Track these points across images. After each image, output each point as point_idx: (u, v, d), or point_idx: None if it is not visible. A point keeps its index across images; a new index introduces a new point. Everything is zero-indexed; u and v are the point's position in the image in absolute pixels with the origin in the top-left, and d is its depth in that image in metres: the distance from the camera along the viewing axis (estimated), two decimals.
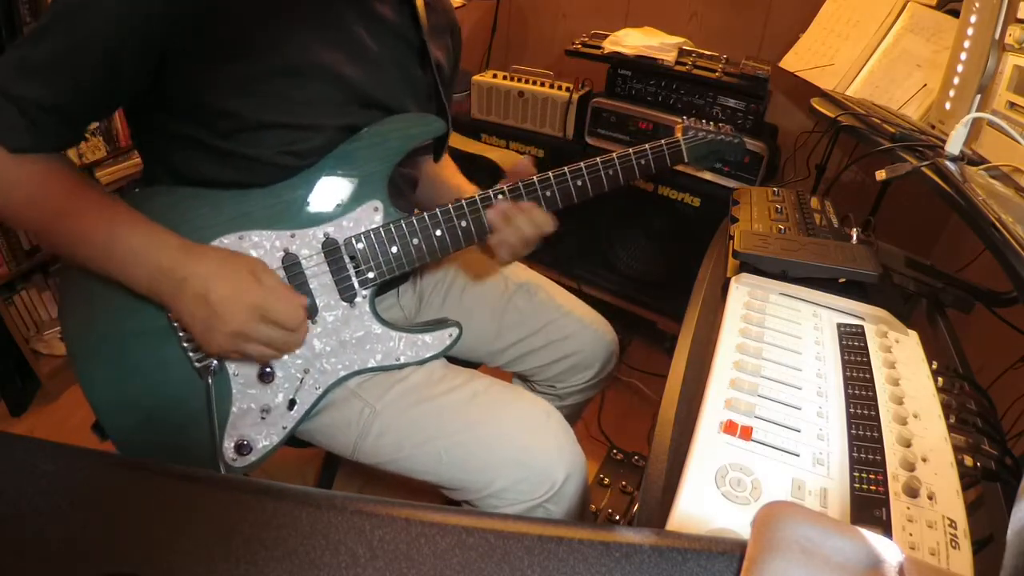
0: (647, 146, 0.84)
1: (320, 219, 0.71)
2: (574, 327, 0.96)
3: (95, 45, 0.58)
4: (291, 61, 0.65)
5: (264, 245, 0.69)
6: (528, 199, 0.78)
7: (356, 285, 0.73)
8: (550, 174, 0.78)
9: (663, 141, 0.86)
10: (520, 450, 0.73)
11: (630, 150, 0.83)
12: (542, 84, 1.62)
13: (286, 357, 0.71)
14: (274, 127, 0.66)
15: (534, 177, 0.78)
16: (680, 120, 0.91)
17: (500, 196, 0.77)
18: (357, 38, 0.71)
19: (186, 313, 0.63)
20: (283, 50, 0.65)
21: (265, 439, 0.72)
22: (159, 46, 0.60)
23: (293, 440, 0.80)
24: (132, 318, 0.67)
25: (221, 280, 0.62)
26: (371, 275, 0.74)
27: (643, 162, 0.83)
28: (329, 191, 0.71)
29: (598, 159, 0.80)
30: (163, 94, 0.64)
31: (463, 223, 0.76)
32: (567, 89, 1.60)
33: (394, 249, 0.74)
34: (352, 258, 0.73)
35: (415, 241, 0.74)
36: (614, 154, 0.81)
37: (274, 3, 0.64)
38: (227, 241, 0.68)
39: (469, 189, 0.93)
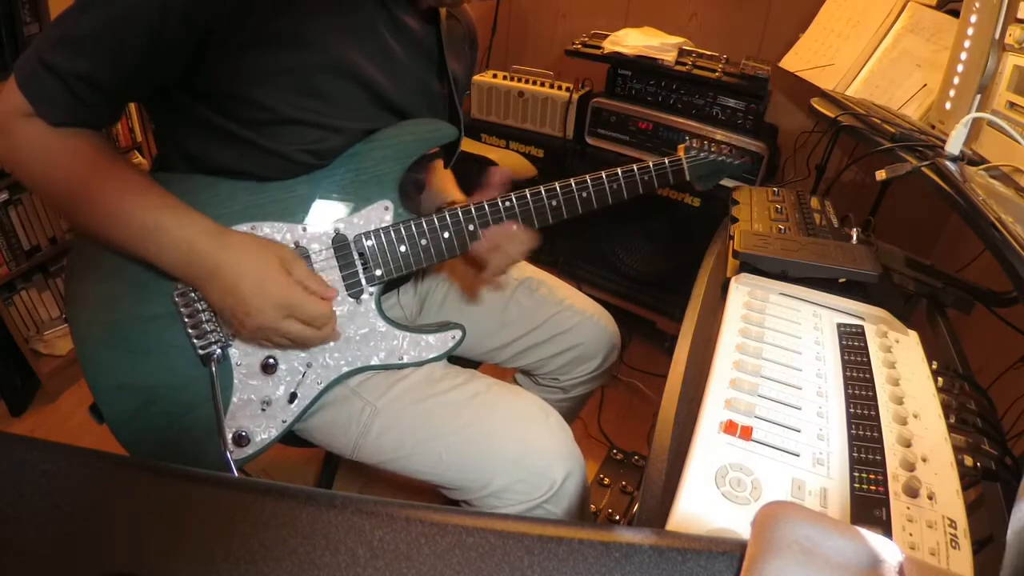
0: (651, 162, 0.87)
1: (331, 215, 0.72)
2: (576, 319, 0.96)
3: (139, 22, 0.58)
4: (323, 59, 0.66)
5: (275, 237, 0.70)
6: (535, 208, 0.79)
7: (363, 282, 0.74)
8: (556, 184, 0.80)
9: (666, 159, 0.89)
10: (519, 450, 0.73)
11: (634, 166, 0.85)
12: (542, 84, 1.62)
13: (290, 349, 0.72)
14: (298, 123, 0.67)
15: (541, 188, 0.80)
16: (691, 135, 0.94)
17: (508, 203, 0.78)
18: (385, 44, 0.72)
19: (216, 300, 0.65)
20: (316, 47, 0.65)
21: (264, 432, 0.73)
22: (200, 29, 0.60)
23: (293, 439, 0.80)
24: (138, 303, 0.68)
25: (250, 272, 0.64)
26: (378, 273, 0.74)
27: (646, 178, 0.86)
28: (342, 188, 0.72)
29: (603, 173, 0.83)
30: (194, 78, 0.64)
31: (470, 227, 0.77)
32: (567, 89, 1.60)
33: (402, 248, 0.74)
34: (361, 255, 0.73)
35: (423, 242, 0.75)
36: (618, 169, 0.83)
37: (313, 1, 0.65)
38: (239, 230, 0.68)
39: (455, 194, 0.94)
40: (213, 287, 0.64)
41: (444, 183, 0.97)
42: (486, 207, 0.77)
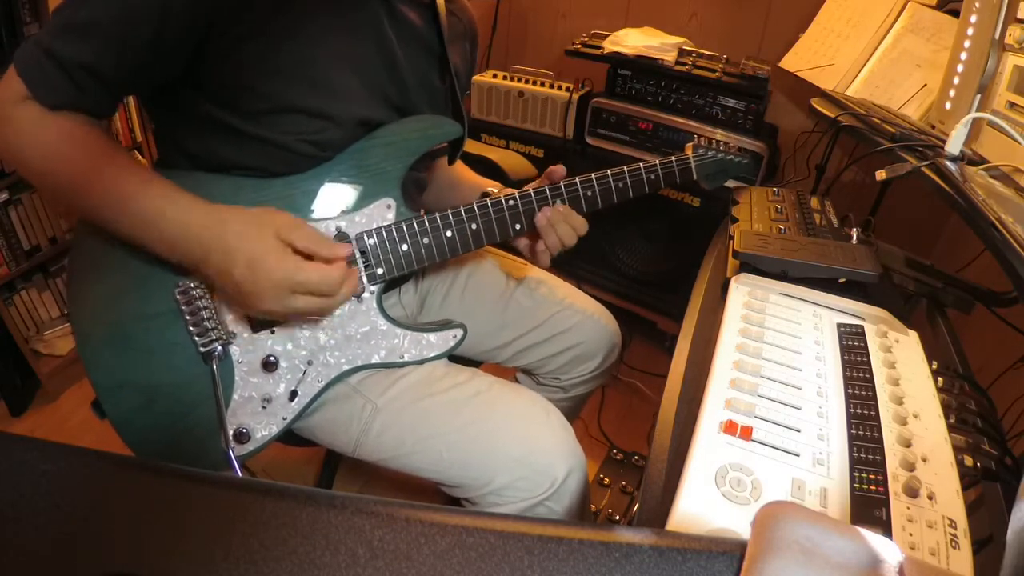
0: (657, 161, 0.86)
1: (333, 213, 0.72)
2: (577, 318, 0.96)
3: (139, 20, 0.58)
4: (323, 54, 0.66)
5: None
6: (539, 207, 0.79)
7: (365, 280, 0.74)
8: (561, 184, 0.80)
9: (673, 158, 0.88)
10: (521, 448, 0.73)
11: (640, 165, 0.84)
12: (542, 84, 1.62)
13: (291, 347, 0.72)
14: (298, 112, 0.67)
15: (546, 188, 0.80)
16: (691, 134, 0.93)
17: (511, 202, 0.78)
18: (386, 40, 0.72)
19: (217, 285, 0.65)
20: (317, 44, 0.66)
21: (264, 429, 0.73)
22: (200, 26, 0.60)
23: (294, 438, 0.80)
24: (139, 301, 0.68)
25: (241, 255, 0.61)
26: (380, 271, 0.74)
27: (652, 177, 0.85)
28: (344, 186, 0.72)
29: (608, 172, 0.82)
30: (194, 73, 0.64)
31: (473, 226, 0.77)
32: (567, 89, 1.59)
33: (404, 247, 0.74)
34: (362, 253, 0.73)
35: (425, 241, 0.75)
36: (624, 168, 0.83)
37: (313, 1, 0.65)
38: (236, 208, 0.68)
39: (490, 185, 0.95)
40: (211, 272, 0.63)
41: (473, 176, 0.98)
42: (489, 206, 0.77)
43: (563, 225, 0.79)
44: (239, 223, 0.62)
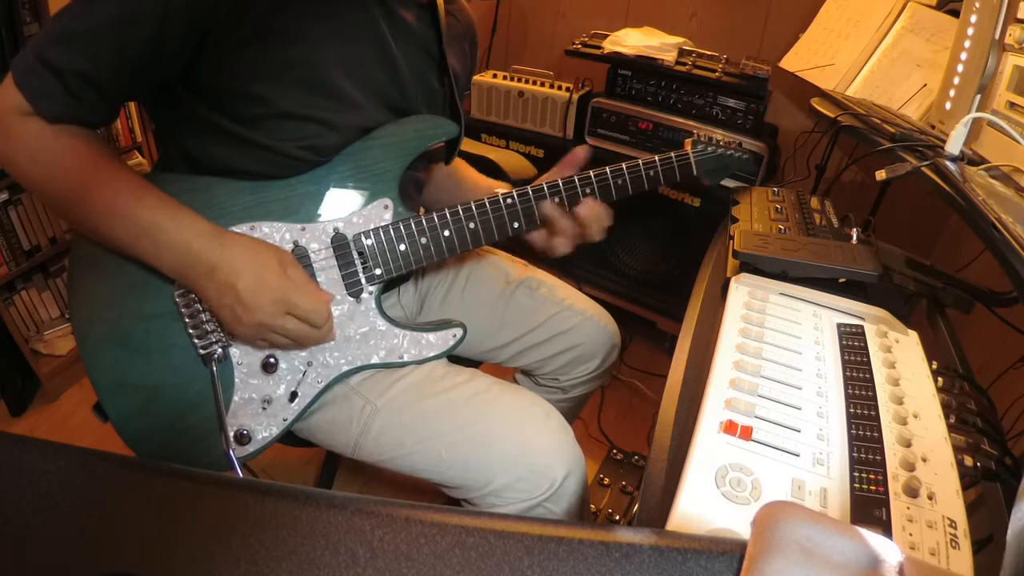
0: (657, 158, 0.85)
1: (331, 214, 0.72)
2: (576, 319, 0.96)
3: (139, 22, 0.58)
4: (321, 57, 0.66)
5: (274, 237, 0.70)
6: (537, 204, 0.79)
7: (363, 281, 0.74)
8: (559, 181, 0.80)
9: (673, 154, 0.87)
10: (520, 448, 0.73)
11: (639, 160, 0.83)
12: (542, 84, 1.62)
13: (289, 350, 0.72)
14: (296, 118, 0.67)
15: (543, 184, 0.79)
16: (691, 134, 0.93)
17: (509, 200, 0.78)
18: (384, 42, 0.72)
19: (214, 299, 0.65)
20: (314, 45, 0.66)
21: (265, 430, 0.73)
22: (201, 28, 0.60)
23: (293, 439, 0.80)
24: (140, 301, 0.68)
25: (248, 270, 0.64)
26: (378, 272, 0.74)
27: (652, 173, 0.84)
28: (341, 187, 0.72)
29: (607, 168, 0.82)
30: (193, 76, 0.64)
31: (471, 225, 0.77)
32: (567, 89, 1.60)
33: (402, 247, 0.74)
34: (360, 254, 0.73)
35: (423, 240, 0.75)
36: (623, 164, 0.82)
37: (311, 1, 0.65)
38: (239, 230, 0.69)
39: (496, 185, 0.95)
40: (210, 286, 0.64)
41: (476, 176, 0.98)
42: (487, 204, 0.77)
43: (596, 223, 0.81)
44: (245, 247, 0.65)
